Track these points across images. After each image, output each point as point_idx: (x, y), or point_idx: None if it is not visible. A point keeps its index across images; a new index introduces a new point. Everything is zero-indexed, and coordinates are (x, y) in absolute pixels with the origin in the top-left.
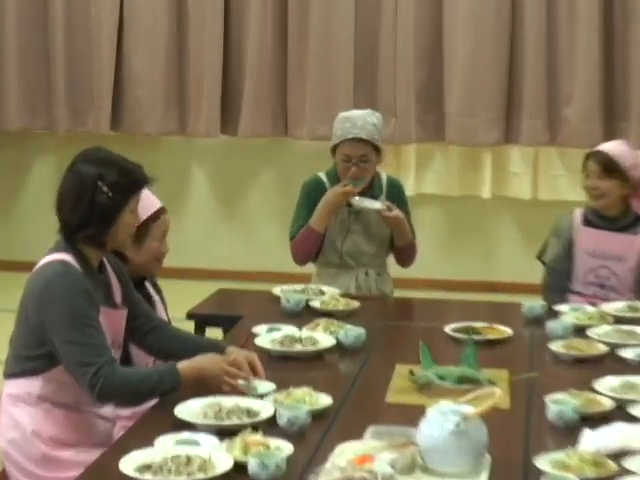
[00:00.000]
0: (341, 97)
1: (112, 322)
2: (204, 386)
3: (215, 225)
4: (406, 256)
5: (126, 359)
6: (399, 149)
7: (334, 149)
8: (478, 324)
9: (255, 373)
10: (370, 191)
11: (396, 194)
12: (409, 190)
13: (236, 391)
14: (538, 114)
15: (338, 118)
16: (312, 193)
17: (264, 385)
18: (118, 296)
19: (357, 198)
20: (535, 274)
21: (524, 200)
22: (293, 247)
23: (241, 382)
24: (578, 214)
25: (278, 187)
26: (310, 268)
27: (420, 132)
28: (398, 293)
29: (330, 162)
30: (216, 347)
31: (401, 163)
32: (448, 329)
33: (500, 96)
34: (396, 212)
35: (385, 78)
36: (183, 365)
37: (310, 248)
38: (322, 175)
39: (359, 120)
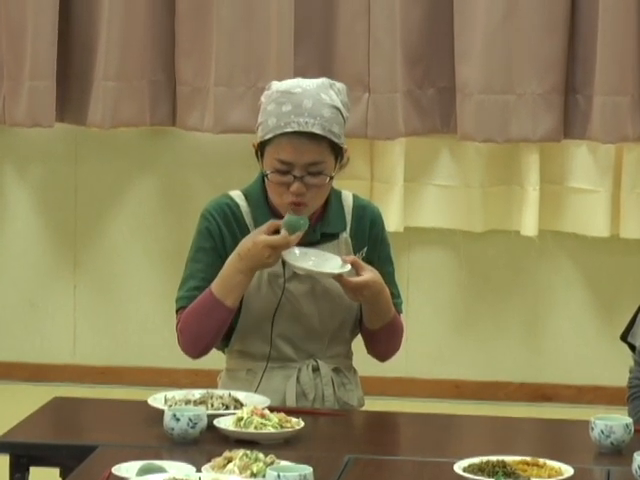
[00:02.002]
0: (272, 60)
1: None
2: None
3: (45, 282)
4: (386, 342)
5: None
6: (376, 148)
7: (261, 149)
8: (513, 458)
9: None
10: (322, 224)
11: (368, 229)
12: (393, 222)
13: None
14: (623, 87)
15: (270, 94)
16: (218, 230)
17: None
18: None
19: (297, 251)
20: (614, 369)
21: (597, 239)
22: (181, 326)
23: None
24: None
25: (159, 215)
26: (216, 360)
27: (413, 119)
28: (372, 404)
29: (252, 172)
30: None
31: (380, 174)
32: (460, 467)
33: (555, 57)
34: (369, 274)
35: (351, 26)
36: None
37: (211, 330)
38: (237, 196)
39: (307, 98)
